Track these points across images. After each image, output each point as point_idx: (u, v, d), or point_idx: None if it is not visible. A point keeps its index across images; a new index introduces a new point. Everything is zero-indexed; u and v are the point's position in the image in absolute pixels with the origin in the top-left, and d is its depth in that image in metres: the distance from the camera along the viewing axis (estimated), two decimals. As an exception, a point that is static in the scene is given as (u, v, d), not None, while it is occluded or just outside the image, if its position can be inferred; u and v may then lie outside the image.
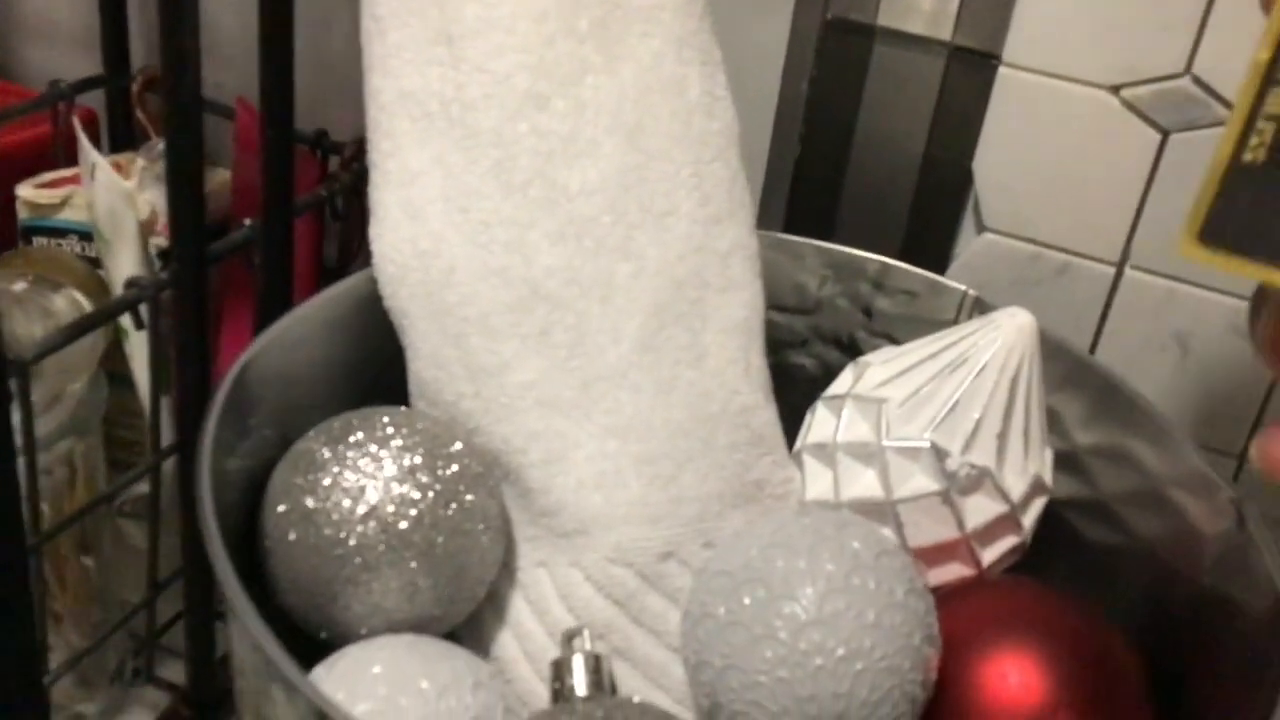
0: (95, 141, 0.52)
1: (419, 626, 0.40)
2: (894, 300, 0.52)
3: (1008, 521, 0.44)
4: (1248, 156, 0.19)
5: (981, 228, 0.53)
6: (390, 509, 0.38)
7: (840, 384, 0.47)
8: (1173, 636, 0.43)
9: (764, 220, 0.59)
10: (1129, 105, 0.48)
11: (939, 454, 0.42)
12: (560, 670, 0.37)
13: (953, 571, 0.44)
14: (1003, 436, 0.43)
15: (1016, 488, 0.43)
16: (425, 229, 0.43)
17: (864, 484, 0.44)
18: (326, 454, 0.39)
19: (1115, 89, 0.48)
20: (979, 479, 0.43)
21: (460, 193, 0.43)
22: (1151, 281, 0.51)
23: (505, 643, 0.43)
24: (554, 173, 0.42)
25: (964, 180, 0.53)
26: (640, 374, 0.42)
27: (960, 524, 0.43)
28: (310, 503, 0.39)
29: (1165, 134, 0.48)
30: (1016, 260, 0.53)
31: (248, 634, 0.32)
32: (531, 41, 0.42)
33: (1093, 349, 0.53)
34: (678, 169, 0.44)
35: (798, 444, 0.47)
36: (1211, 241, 0.20)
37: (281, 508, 0.39)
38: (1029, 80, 0.50)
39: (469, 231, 0.42)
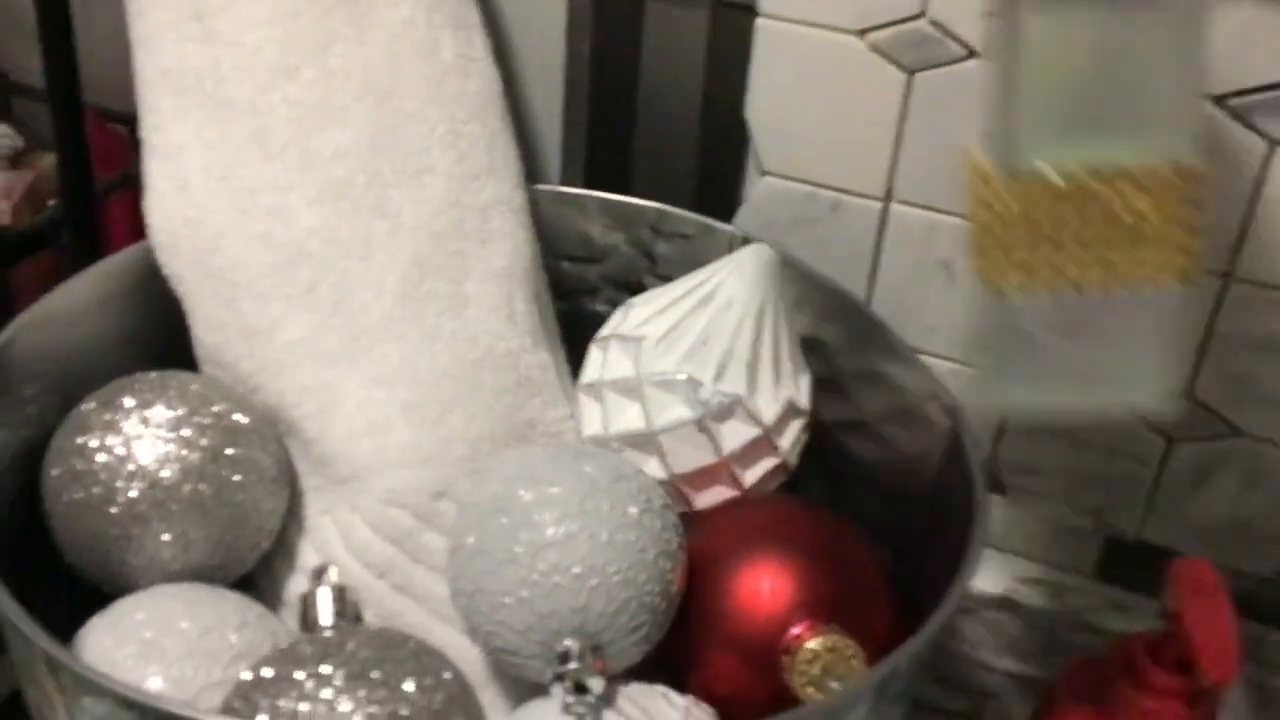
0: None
1: (200, 576, 0.42)
2: (671, 244, 0.55)
3: (763, 444, 0.47)
4: None
5: (762, 171, 0.56)
6: (155, 466, 0.40)
7: (609, 325, 0.49)
8: (909, 533, 0.46)
9: (567, 176, 0.61)
10: (875, 48, 0.51)
11: (693, 384, 0.45)
12: (307, 603, 0.40)
13: (718, 494, 0.47)
14: (753, 365, 0.46)
15: (769, 411, 0.46)
16: (191, 199, 0.45)
17: (629, 417, 0.47)
18: (95, 417, 0.41)
19: (861, 33, 0.51)
20: (731, 406, 0.46)
21: (220, 163, 0.44)
22: (915, 214, 0.54)
23: (296, 587, 0.45)
24: (307, 139, 0.44)
25: (742, 127, 0.55)
26: (403, 325, 0.44)
27: (718, 449, 0.46)
28: (79, 464, 0.41)
29: (910, 73, 0.51)
30: (794, 200, 0.56)
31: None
32: (278, 14, 0.44)
33: (870, 280, 0.56)
34: (432, 128, 0.46)
35: (579, 384, 0.50)
36: None
37: (55, 471, 0.41)
38: (785, 29, 0.53)
39: (231, 199, 0.44)
